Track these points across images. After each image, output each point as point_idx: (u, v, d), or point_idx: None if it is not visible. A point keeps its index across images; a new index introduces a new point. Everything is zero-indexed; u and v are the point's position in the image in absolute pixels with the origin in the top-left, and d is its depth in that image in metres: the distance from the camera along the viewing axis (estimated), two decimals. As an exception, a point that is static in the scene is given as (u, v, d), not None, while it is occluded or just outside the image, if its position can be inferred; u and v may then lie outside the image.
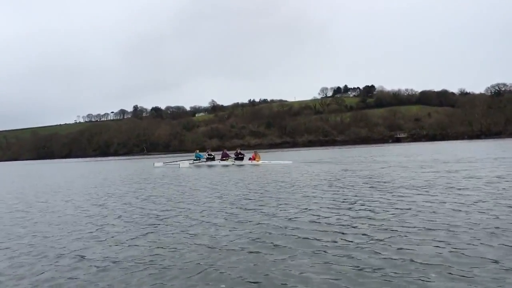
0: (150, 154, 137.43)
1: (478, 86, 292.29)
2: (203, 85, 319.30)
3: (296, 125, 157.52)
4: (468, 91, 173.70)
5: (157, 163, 36.08)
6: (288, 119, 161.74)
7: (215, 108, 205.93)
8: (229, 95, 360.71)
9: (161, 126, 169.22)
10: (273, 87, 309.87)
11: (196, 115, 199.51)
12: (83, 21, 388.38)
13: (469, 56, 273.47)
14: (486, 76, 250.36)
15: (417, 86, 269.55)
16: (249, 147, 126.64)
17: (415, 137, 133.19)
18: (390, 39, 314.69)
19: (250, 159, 30.81)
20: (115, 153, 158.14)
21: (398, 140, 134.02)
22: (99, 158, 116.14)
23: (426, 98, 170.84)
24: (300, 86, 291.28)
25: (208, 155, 34.46)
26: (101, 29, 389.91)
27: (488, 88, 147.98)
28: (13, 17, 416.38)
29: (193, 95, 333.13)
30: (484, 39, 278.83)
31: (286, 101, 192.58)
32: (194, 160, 34.48)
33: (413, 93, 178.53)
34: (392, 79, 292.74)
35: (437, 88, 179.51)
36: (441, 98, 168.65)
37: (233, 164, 30.81)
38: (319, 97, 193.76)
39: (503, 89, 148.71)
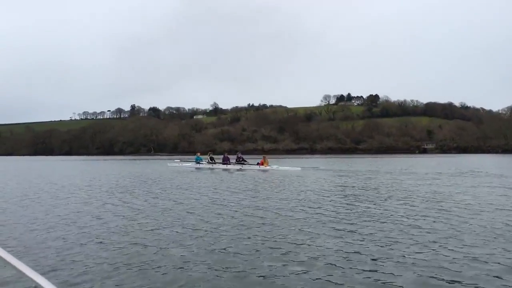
0: (157, 155, 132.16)
1: (479, 100, 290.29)
2: (197, 88, 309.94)
3: (309, 131, 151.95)
4: (468, 105, 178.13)
5: (172, 163, 36.05)
6: (300, 125, 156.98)
7: (216, 111, 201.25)
8: (225, 98, 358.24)
9: (169, 126, 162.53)
10: (269, 93, 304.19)
11: (195, 117, 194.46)
12: (76, 18, 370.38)
13: (460, 68, 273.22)
14: (487, 90, 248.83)
15: (416, 96, 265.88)
16: (263, 151, 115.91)
17: (444, 149, 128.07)
18: (387, 47, 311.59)
19: (258, 164, 30.16)
20: (120, 152, 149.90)
21: (424, 151, 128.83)
22: (104, 157, 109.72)
23: (432, 110, 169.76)
24: (298, 93, 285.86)
25: (210, 158, 33.42)
26: (94, 28, 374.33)
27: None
28: (8, 11, 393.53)
29: (187, 97, 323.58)
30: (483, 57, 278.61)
31: (285, 107, 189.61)
32: (194, 162, 33.59)
33: (419, 104, 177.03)
34: (391, 88, 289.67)
35: (439, 100, 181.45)
36: (447, 111, 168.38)
37: (240, 168, 30.53)
38: (322, 104, 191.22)
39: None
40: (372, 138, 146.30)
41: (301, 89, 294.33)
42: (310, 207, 10.65)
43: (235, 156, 32.95)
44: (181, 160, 36.99)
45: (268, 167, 29.48)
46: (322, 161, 53.56)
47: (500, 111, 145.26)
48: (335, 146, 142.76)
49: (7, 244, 6.77)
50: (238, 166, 30.67)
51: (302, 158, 75.33)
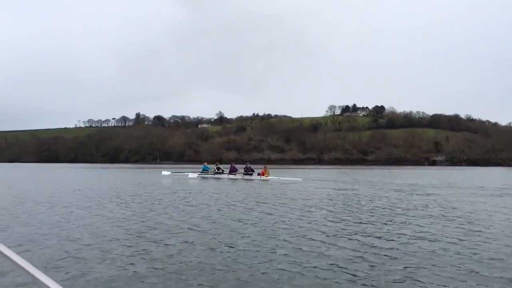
0: (163, 163, 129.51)
1: (485, 112, 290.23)
2: (201, 97, 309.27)
3: (315, 141, 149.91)
4: (474, 117, 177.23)
5: (165, 172, 37.11)
6: (306, 135, 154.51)
7: (221, 120, 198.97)
8: (229, 108, 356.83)
9: (175, 134, 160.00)
10: (274, 103, 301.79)
11: (199, 125, 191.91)
12: (80, 25, 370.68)
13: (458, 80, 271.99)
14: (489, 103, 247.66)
15: (421, 107, 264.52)
16: (269, 162, 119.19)
17: (454, 161, 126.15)
18: (392, 59, 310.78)
19: (259, 174, 29.75)
20: (126, 160, 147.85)
21: (434, 163, 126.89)
22: (110, 165, 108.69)
23: (438, 121, 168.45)
24: (303, 103, 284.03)
25: (217, 168, 33.26)
26: (100, 38, 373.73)
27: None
28: (12, 18, 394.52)
29: (191, 106, 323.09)
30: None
31: (290, 116, 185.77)
32: (201, 172, 33.70)
33: (425, 115, 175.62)
34: (396, 99, 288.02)
35: (445, 112, 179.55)
36: (453, 123, 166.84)
37: (242, 178, 30.20)
38: (327, 114, 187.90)
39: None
40: (380, 149, 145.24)
41: (306, 99, 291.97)
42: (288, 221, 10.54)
43: (243, 166, 32.65)
44: (174, 172, 37.54)
45: (268, 177, 29.27)
46: (331, 172, 53.26)
47: (511, 124, 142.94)
48: (343, 156, 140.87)
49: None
50: (244, 176, 30.55)
51: (309, 168, 74.34)
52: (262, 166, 35.58)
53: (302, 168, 72.96)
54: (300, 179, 28.88)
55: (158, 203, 14.18)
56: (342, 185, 25.31)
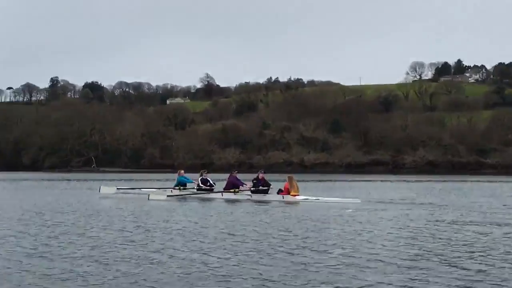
0: (103, 171, 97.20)
1: None
2: (172, 50, 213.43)
3: (388, 130, 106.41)
4: None
5: (106, 188, 27.99)
6: (371, 118, 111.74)
7: (210, 91, 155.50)
8: (224, 70, 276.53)
9: (125, 117, 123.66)
10: (307, 60, 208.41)
11: (169, 101, 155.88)
12: None
13: None
14: None
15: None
16: (302, 166, 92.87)
17: None
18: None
19: (280, 191, 23.46)
20: (33, 165, 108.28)
21: None
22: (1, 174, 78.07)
23: None
24: (362, 61, 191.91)
25: (202, 181, 25.73)
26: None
27: None
28: None
29: (149, 66, 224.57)
30: None
31: (340, 84, 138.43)
32: (174, 187, 26.15)
33: None
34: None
35: None
36: None
37: (249, 198, 23.93)
38: (408, 79, 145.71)
39: None
40: (510, 144, 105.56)
41: (367, 51, 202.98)
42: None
43: (253, 177, 25.95)
44: (122, 188, 28.20)
45: (297, 198, 22.57)
46: (417, 187, 40.19)
47: None
48: (440, 159, 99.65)
49: None
50: (253, 196, 23.96)
51: (376, 180, 59.02)
52: (285, 176, 26.35)
53: (363, 180, 58.93)
54: (357, 200, 22.05)
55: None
56: (444, 218, 15.91)
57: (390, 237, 10.96)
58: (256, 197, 22.71)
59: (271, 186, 23.33)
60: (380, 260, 8.26)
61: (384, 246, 9.67)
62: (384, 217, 15.67)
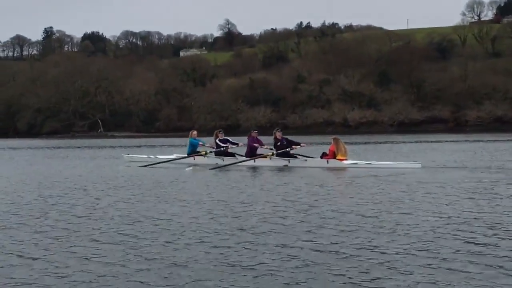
0: (113, 135, 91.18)
1: None
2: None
3: (445, 82, 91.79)
4: None
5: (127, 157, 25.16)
6: (425, 66, 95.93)
7: (231, 39, 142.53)
8: (245, 14, 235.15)
9: (135, 73, 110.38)
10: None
11: (182, 53, 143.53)
12: None
13: None
14: None
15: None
16: (345, 126, 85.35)
17: None
18: None
19: (323, 155, 21.36)
20: (30, 131, 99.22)
21: None
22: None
23: None
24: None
25: (218, 143, 22.98)
26: None
27: None
28: None
29: (163, 14, 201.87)
30: None
31: (381, 28, 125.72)
32: (188, 155, 23.13)
33: None
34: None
35: None
36: None
37: (286, 165, 21.42)
38: (465, 20, 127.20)
39: None
40: None
41: None
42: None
43: (277, 138, 23.28)
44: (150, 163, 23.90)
45: (345, 163, 20.80)
46: (487, 148, 35.00)
47: None
48: (510, 113, 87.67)
49: None
50: (283, 159, 21.99)
51: (435, 140, 51.22)
52: (325, 138, 30.11)
53: (419, 141, 51.38)
54: (417, 165, 19.91)
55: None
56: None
57: (473, 207, 9.06)
58: (286, 161, 20.48)
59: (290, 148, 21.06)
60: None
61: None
62: (458, 185, 13.12)
